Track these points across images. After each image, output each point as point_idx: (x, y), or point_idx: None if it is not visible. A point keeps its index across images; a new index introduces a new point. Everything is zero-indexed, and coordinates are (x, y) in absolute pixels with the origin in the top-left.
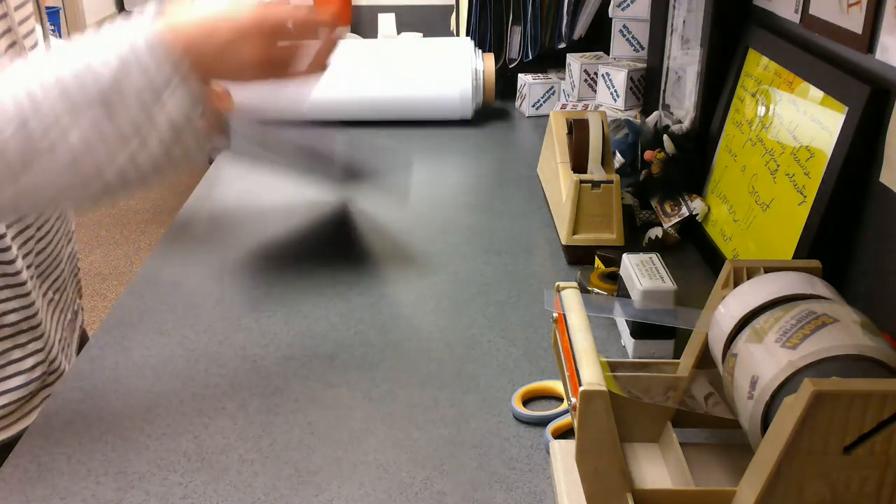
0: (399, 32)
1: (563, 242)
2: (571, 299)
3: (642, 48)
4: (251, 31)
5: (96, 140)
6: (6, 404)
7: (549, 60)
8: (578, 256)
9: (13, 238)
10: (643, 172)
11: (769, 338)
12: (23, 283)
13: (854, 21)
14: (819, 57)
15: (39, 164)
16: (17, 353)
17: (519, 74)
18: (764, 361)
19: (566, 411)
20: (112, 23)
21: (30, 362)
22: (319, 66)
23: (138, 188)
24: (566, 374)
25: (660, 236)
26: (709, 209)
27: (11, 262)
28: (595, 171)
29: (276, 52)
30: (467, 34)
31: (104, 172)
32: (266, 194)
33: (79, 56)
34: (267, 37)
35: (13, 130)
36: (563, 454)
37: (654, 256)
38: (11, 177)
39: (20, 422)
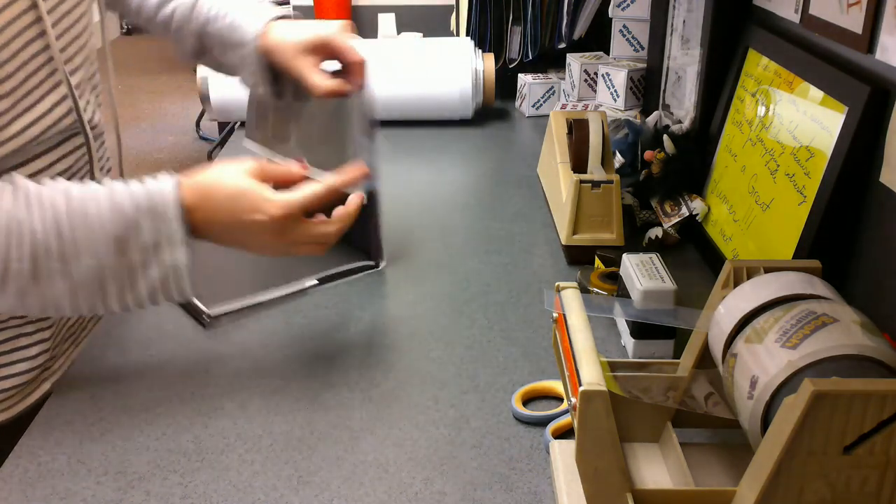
0: (399, 32)
1: (563, 242)
2: (571, 299)
3: (642, 48)
4: (273, 228)
5: (93, 280)
6: (9, 388)
7: (549, 60)
8: (578, 256)
9: None
10: (643, 172)
11: (769, 338)
12: None
13: (854, 21)
14: (819, 57)
15: (48, 289)
16: (23, 341)
17: (519, 74)
18: (764, 361)
19: (566, 411)
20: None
21: (34, 350)
22: (341, 230)
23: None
24: (566, 374)
25: (660, 236)
26: (709, 209)
27: None
28: (595, 171)
29: (291, 242)
30: (467, 34)
31: (102, 305)
32: None
33: (101, 202)
34: (287, 230)
35: (28, 263)
36: (563, 454)
37: (654, 256)
38: (23, 293)
39: (18, 405)
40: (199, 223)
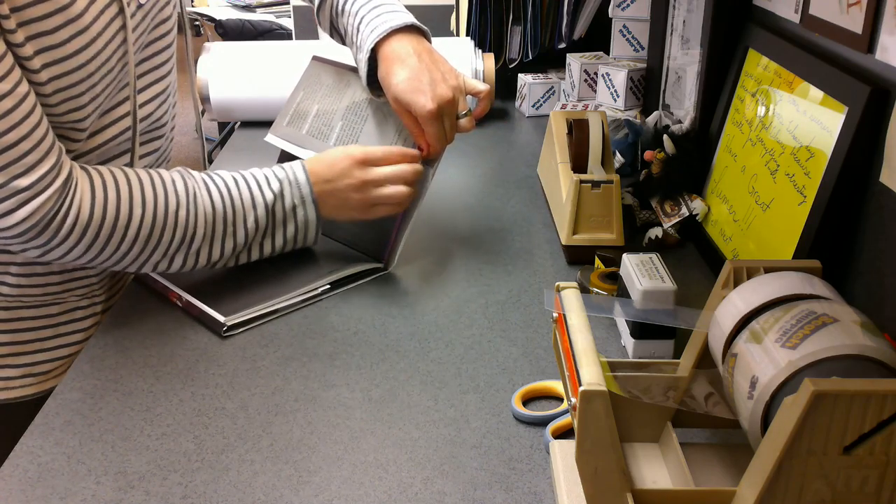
0: None
1: (563, 242)
2: (571, 299)
3: (642, 48)
4: (357, 178)
5: (249, 238)
6: (65, 356)
7: (549, 60)
8: (578, 256)
9: None
10: (643, 172)
11: (769, 338)
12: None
13: (854, 21)
14: (819, 57)
15: (215, 247)
16: (78, 314)
17: (519, 74)
18: (764, 361)
19: (566, 411)
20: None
21: (88, 322)
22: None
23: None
24: (566, 374)
25: (660, 236)
26: (709, 209)
27: None
28: (595, 171)
29: (370, 193)
30: (467, 34)
31: (247, 256)
32: None
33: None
34: (367, 180)
35: (206, 228)
36: (563, 454)
37: (654, 256)
38: (198, 252)
39: (66, 373)
40: (319, 192)
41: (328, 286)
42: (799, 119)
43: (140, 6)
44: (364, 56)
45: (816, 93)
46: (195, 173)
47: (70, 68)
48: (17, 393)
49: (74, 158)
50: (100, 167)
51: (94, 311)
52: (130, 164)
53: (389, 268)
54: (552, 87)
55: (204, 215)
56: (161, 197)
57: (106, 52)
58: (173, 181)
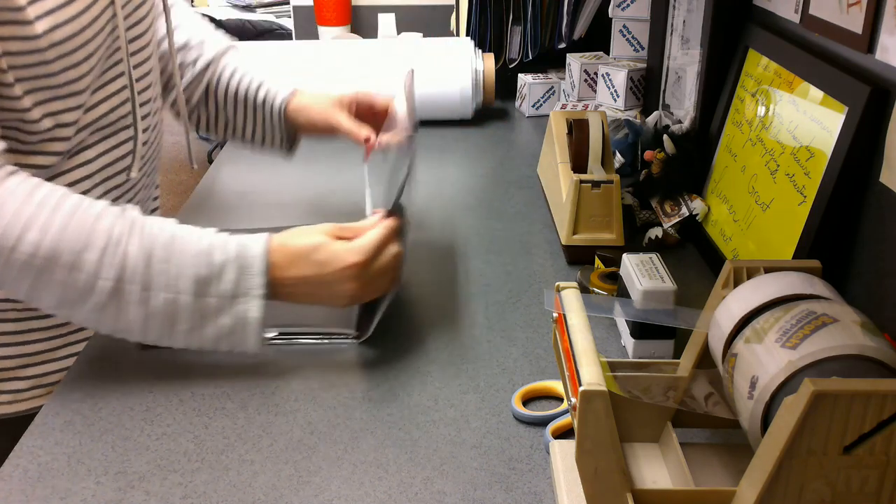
0: (399, 32)
1: (563, 242)
2: (571, 299)
3: (642, 48)
4: (355, 274)
5: (166, 314)
6: (60, 370)
7: (549, 60)
8: (578, 256)
9: None
10: (643, 172)
11: (769, 338)
12: None
13: (854, 21)
14: (819, 57)
15: (123, 312)
16: (73, 329)
17: (519, 74)
18: (764, 361)
19: (566, 411)
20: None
21: (83, 334)
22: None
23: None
24: (566, 374)
25: (660, 236)
26: (709, 209)
27: None
28: (595, 171)
29: (369, 282)
30: (467, 34)
31: (168, 339)
32: (266, 194)
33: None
34: (366, 272)
35: (112, 283)
36: (563, 454)
37: (654, 256)
38: (100, 310)
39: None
40: (279, 281)
41: (277, 333)
42: (799, 119)
43: None
44: (279, 106)
45: (816, 93)
46: (134, 212)
47: (63, 19)
48: (26, 405)
49: (78, 132)
50: (45, 183)
51: (89, 334)
52: (133, 139)
53: (361, 339)
54: (552, 87)
55: (121, 266)
56: (74, 227)
57: (95, 9)
58: (99, 215)
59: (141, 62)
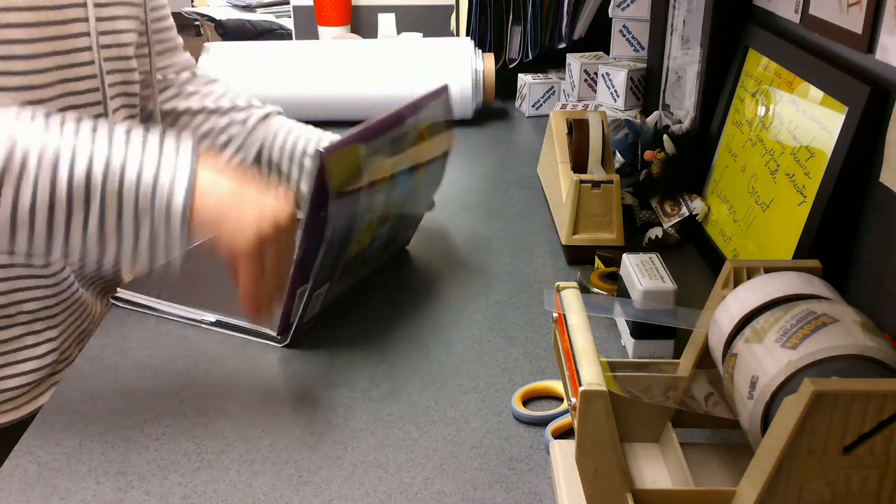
0: (399, 32)
1: (563, 242)
2: (571, 299)
3: (642, 48)
4: (269, 204)
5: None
6: (17, 387)
7: (549, 60)
8: (578, 256)
9: None
10: (643, 172)
11: (769, 338)
12: (51, 275)
13: (854, 21)
14: (819, 57)
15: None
16: (31, 340)
17: (519, 74)
18: (764, 361)
19: (566, 411)
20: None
21: (43, 349)
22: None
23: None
24: (566, 374)
25: (660, 236)
26: (709, 209)
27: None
28: (595, 171)
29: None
30: (467, 34)
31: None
32: None
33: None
34: (274, 220)
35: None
36: (563, 454)
37: (654, 256)
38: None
39: (27, 405)
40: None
41: (214, 321)
42: (799, 119)
43: None
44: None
45: (816, 93)
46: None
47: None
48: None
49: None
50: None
51: (51, 336)
52: (104, 109)
53: (283, 343)
54: (552, 87)
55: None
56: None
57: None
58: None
59: (114, 70)
